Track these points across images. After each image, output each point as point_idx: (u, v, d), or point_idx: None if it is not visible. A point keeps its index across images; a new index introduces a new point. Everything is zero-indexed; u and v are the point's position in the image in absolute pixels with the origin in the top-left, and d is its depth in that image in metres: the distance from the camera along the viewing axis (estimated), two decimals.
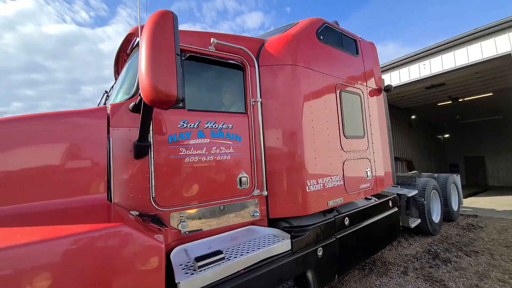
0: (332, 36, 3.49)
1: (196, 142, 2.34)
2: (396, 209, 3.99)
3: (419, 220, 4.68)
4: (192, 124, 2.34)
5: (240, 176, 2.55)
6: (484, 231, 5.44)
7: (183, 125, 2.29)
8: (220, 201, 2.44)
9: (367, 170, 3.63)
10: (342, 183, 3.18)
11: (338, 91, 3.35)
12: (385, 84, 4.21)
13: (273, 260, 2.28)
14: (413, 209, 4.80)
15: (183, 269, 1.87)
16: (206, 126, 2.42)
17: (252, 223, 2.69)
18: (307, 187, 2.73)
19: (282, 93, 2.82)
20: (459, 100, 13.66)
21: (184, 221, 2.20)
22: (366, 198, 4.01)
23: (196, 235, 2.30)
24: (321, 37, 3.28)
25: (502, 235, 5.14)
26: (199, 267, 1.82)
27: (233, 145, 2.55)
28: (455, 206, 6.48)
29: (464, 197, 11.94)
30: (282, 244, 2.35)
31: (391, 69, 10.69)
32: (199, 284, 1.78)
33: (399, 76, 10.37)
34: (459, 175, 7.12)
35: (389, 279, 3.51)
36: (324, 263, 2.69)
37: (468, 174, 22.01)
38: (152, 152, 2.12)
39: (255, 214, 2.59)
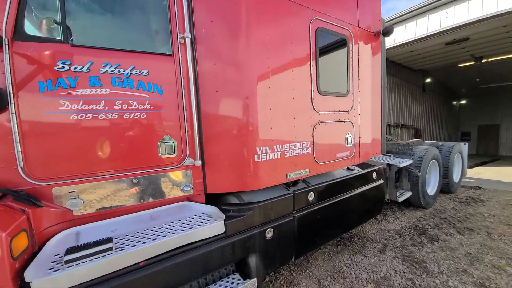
0: None
1: (88, 92, 1.68)
2: (381, 181, 3.40)
3: (409, 193, 4.12)
4: (80, 67, 1.65)
5: (162, 141, 1.94)
6: (485, 205, 4.89)
7: (63, 67, 1.60)
8: (133, 173, 1.87)
9: (348, 136, 2.95)
10: (310, 151, 2.54)
11: (313, 30, 2.49)
12: (387, 26, 3.24)
13: (198, 246, 1.79)
14: (404, 180, 4.22)
15: (53, 262, 1.40)
16: (104, 70, 1.72)
17: (188, 199, 2.18)
18: (256, 155, 2.11)
19: (222, 26, 2.02)
20: (483, 60, 11.94)
21: (74, 198, 1.67)
22: (348, 169, 3.42)
23: (101, 214, 1.80)
24: None
25: (505, 210, 4.58)
26: (67, 261, 1.34)
27: (149, 99, 1.88)
28: (456, 178, 5.86)
29: (471, 167, 11.24)
30: (210, 227, 1.84)
31: (407, 19, 9.07)
32: (65, 283, 1.31)
33: (415, 29, 8.83)
34: (466, 144, 6.33)
35: (363, 257, 3.10)
36: (274, 245, 2.22)
37: (479, 143, 20.86)
38: (12, 104, 1.49)
39: (185, 188, 2.05)
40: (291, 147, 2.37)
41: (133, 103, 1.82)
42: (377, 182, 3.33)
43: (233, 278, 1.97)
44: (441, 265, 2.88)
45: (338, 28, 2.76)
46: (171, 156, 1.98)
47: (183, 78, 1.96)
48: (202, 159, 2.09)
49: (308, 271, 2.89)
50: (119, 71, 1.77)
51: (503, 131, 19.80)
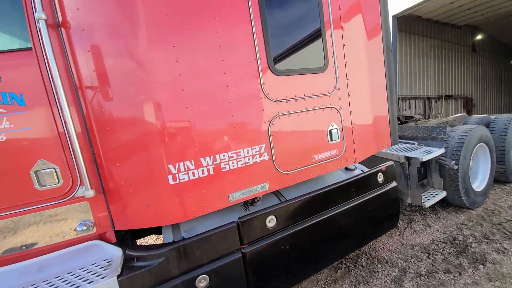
0: None
1: None
2: (392, 184, 2.47)
3: (442, 194, 3.05)
4: None
5: (36, 168, 1.43)
6: None
7: None
8: (4, 213, 1.42)
9: (331, 128, 2.11)
10: (267, 157, 1.81)
11: None
12: None
13: None
14: (435, 176, 3.14)
15: None
16: None
17: (100, 237, 1.67)
18: (170, 176, 1.49)
19: None
20: None
21: None
22: (346, 169, 2.57)
23: None
24: None
25: None
26: None
27: (7, 114, 1.37)
28: None
29: None
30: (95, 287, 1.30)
31: None
32: None
33: None
34: None
35: None
36: None
37: None
38: None
39: (79, 228, 1.52)
40: (232, 157, 1.68)
41: None
42: (386, 187, 2.42)
43: None
44: None
45: None
46: (54, 186, 1.47)
47: (52, 77, 1.40)
48: (102, 186, 1.54)
49: None
50: None
51: None
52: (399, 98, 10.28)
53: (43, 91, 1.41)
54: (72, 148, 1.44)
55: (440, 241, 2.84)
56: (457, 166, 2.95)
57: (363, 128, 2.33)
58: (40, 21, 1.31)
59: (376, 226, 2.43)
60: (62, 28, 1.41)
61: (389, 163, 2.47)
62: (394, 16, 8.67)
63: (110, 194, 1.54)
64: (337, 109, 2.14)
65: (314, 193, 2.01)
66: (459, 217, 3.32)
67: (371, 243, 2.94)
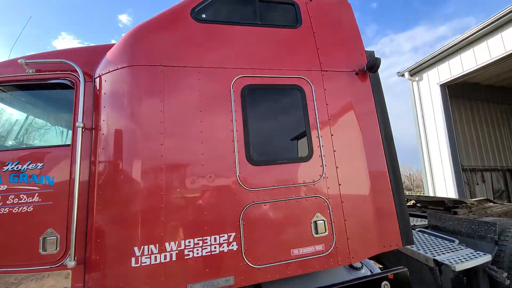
0: (231, 8, 2.30)
1: None
2: None
3: None
4: None
5: (44, 235, 1.80)
6: None
7: None
8: (13, 269, 1.76)
9: (317, 220, 1.98)
10: (235, 247, 1.79)
11: (237, 89, 2.07)
12: (370, 59, 2.36)
13: None
14: None
15: None
16: (6, 168, 1.87)
17: None
18: (133, 258, 1.62)
19: (110, 108, 1.93)
20: None
21: None
22: (351, 267, 2.23)
23: None
24: (203, 15, 2.18)
25: None
26: None
27: (39, 192, 1.86)
28: None
29: None
30: None
31: (489, 33, 6.81)
32: None
33: (503, 42, 6.45)
34: None
35: None
36: None
37: None
38: None
39: None
40: (198, 244, 1.73)
41: (23, 197, 1.84)
42: None
43: None
44: None
45: (283, 80, 2.20)
46: (52, 252, 1.78)
47: (71, 165, 1.88)
48: (84, 258, 1.78)
49: None
50: (17, 167, 1.88)
51: None
52: (465, 169, 8.66)
53: (69, 177, 1.88)
54: (72, 222, 1.79)
55: None
56: (509, 281, 2.15)
57: (359, 222, 2.08)
58: (78, 128, 1.88)
59: None
60: (93, 131, 1.96)
61: (401, 269, 2.02)
62: (441, 85, 8.22)
63: (88, 267, 1.75)
64: (324, 199, 2.04)
65: None
66: None
67: None
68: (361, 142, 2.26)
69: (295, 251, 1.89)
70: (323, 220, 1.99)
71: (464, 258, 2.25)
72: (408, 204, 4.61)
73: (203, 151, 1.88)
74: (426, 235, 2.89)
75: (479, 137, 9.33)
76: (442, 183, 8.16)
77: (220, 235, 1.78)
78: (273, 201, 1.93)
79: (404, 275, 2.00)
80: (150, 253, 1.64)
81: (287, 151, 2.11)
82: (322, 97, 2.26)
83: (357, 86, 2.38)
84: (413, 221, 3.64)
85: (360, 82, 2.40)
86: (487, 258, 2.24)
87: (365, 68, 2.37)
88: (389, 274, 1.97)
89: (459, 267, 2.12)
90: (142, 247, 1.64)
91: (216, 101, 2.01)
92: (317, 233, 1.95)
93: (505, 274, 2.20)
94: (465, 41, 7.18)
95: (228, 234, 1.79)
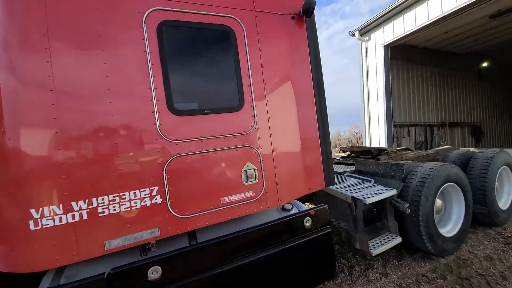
0: None
1: None
2: (326, 230, 2.25)
3: (394, 241, 2.72)
4: None
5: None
6: None
7: None
8: None
9: (247, 169, 2.00)
10: (159, 200, 1.71)
11: (152, 26, 1.74)
12: (305, 1, 2.21)
13: None
14: (390, 220, 2.85)
15: None
16: None
17: None
18: (31, 221, 1.42)
19: None
20: None
21: None
22: (283, 209, 2.40)
23: None
24: None
25: None
26: None
27: None
28: (504, 203, 3.94)
29: None
30: None
31: None
32: None
33: (441, 5, 6.91)
34: None
35: None
36: None
37: None
38: None
39: None
40: (114, 200, 1.60)
41: None
42: (316, 233, 2.21)
43: None
44: None
45: (210, 18, 1.93)
46: None
47: None
48: None
49: None
50: None
51: None
52: (396, 125, 9.97)
53: None
54: None
55: None
56: (409, 210, 2.67)
57: (288, 169, 2.19)
58: None
59: (302, 278, 2.18)
60: None
61: (322, 206, 2.28)
62: (385, 46, 8.70)
63: None
64: (254, 149, 2.04)
65: (216, 240, 1.85)
66: (423, 267, 2.93)
67: None
68: (293, 92, 2.24)
69: (225, 199, 1.92)
70: (253, 168, 2.02)
71: (374, 194, 2.66)
72: (344, 155, 5.15)
73: (111, 99, 1.61)
74: (351, 179, 3.30)
75: (410, 97, 10.58)
76: (377, 137, 9.31)
77: (141, 190, 1.67)
78: (201, 153, 1.85)
79: (324, 211, 2.27)
80: (52, 214, 1.45)
81: (215, 100, 1.97)
82: (255, 42, 2.09)
83: (292, 31, 2.26)
84: (346, 168, 4.10)
85: (296, 27, 2.27)
86: (393, 192, 2.70)
87: (301, 11, 2.22)
88: (311, 211, 2.21)
89: (369, 200, 2.50)
90: (40, 208, 1.43)
91: (124, 40, 1.67)
92: (247, 181, 1.99)
93: (407, 205, 2.70)
94: (408, 1, 7.45)
95: (151, 188, 1.69)
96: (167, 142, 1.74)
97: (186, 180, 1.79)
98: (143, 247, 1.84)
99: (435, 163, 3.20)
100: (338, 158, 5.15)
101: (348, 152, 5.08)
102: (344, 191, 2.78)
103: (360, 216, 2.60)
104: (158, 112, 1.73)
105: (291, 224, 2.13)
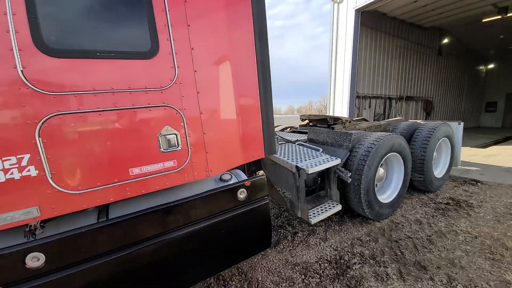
0: None
1: None
2: (263, 201, 2.10)
3: (334, 209, 2.75)
4: None
5: None
6: (471, 215, 3.41)
7: None
8: None
9: (166, 133, 1.64)
10: (36, 172, 1.30)
11: None
12: None
13: None
14: (333, 188, 2.85)
15: None
16: None
17: None
18: None
19: None
20: (508, 12, 9.17)
21: None
22: (221, 179, 2.14)
23: None
24: None
25: (499, 225, 3.12)
26: None
27: None
28: (440, 172, 4.30)
29: (482, 146, 9.25)
30: None
31: None
32: None
33: None
34: (462, 124, 4.62)
35: None
36: None
37: (506, 114, 17.93)
38: None
39: None
40: None
41: None
42: (252, 204, 2.04)
43: None
44: None
45: None
46: None
47: None
48: None
49: None
50: None
51: None
52: (359, 96, 10.17)
53: None
54: None
55: (325, 260, 2.57)
56: (351, 179, 2.66)
57: (221, 135, 1.89)
58: None
59: (236, 250, 2.06)
60: None
61: (259, 177, 2.08)
62: (356, 10, 8.30)
63: None
64: (176, 110, 1.66)
65: (123, 218, 1.56)
66: (360, 230, 3.09)
67: (255, 260, 2.61)
68: (228, 40, 1.82)
69: (136, 170, 1.57)
70: (174, 134, 1.67)
71: (319, 163, 2.55)
72: (303, 123, 5.03)
73: None
74: (301, 147, 3.17)
75: (375, 68, 10.69)
76: (340, 108, 9.44)
77: (3, 159, 1.23)
78: (95, 111, 1.41)
79: (261, 182, 2.08)
80: None
81: (116, 40, 1.47)
82: None
83: None
84: (300, 136, 3.97)
85: None
86: (337, 162, 2.62)
87: None
88: (245, 182, 2.00)
89: (311, 170, 2.38)
90: None
91: None
92: (167, 148, 1.65)
93: (349, 174, 2.66)
94: None
95: (18, 156, 1.25)
96: (38, 94, 1.27)
97: (74, 147, 1.38)
98: (30, 230, 1.46)
99: (382, 133, 3.19)
100: (296, 127, 5.02)
101: (306, 121, 4.96)
102: (290, 161, 2.63)
103: (302, 186, 2.50)
104: (19, 50, 1.21)
105: (221, 196, 1.90)
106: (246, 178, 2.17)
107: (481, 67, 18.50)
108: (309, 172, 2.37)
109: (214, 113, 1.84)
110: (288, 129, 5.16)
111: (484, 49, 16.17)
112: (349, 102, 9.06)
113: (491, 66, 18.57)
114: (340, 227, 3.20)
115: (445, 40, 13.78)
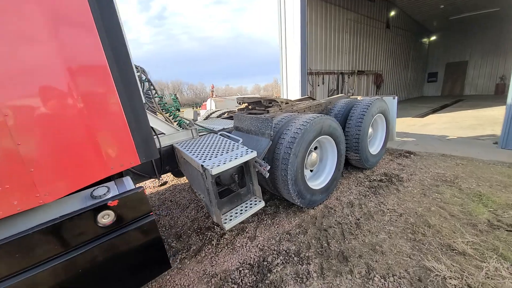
0: None
1: None
2: (145, 219, 1.65)
3: (254, 208, 2.45)
4: None
5: None
6: (399, 190, 3.44)
7: None
8: None
9: None
10: None
11: None
12: None
13: None
14: (255, 184, 2.54)
15: None
16: None
17: None
18: None
19: None
20: None
21: None
22: (92, 196, 1.61)
23: None
24: None
25: (424, 199, 3.17)
26: None
27: None
28: (375, 149, 4.31)
29: (422, 116, 9.98)
30: None
31: None
32: None
33: None
34: (396, 98, 4.63)
35: None
36: None
37: (445, 83, 19.75)
38: None
39: None
40: None
41: None
42: (126, 227, 1.57)
43: None
44: None
45: None
46: None
47: None
48: None
49: None
50: None
51: (470, 68, 18.48)
52: (312, 72, 9.98)
53: None
54: None
55: (248, 264, 2.30)
56: (268, 174, 2.34)
57: (54, 143, 1.33)
58: None
59: (122, 282, 1.62)
60: None
61: (133, 190, 1.60)
62: None
63: None
64: None
65: None
66: (292, 222, 2.89)
67: (167, 277, 2.23)
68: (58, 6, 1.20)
69: None
70: None
71: (229, 159, 2.15)
72: (241, 107, 4.58)
73: None
74: (222, 139, 2.73)
75: (327, 43, 10.49)
76: (293, 85, 9.16)
77: None
78: None
79: (137, 197, 1.61)
80: None
81: None
82: None
83: None
84: (229, 124, 3.52)
85: None
86: (251, 156, 2.24)
87: None
88: (109, 201, 1.50)
89: (215, 170, 1.97)
90: None
91: None
92: None
93: (268, 167, 2.32)
94: None
95: None
96: None
97: None
98: None
99: (310, 115, 2.90)
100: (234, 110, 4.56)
101: (245, 104, 4.50)
102: (197, 158, 2.18)
103: (211, 188, 2.10)
104: None
105: (68, 227, 1.39)
106: (132, 188, 1.68)
107: (425, 39, 19.70)
108: (213, 173, 1.95)
109: (33, 113, 1.26)
110: (225, 114, 4.68)
111: (427, 21, 17.05)
112: (300, 79, 8.79)
113: (433, 38, 19.86)
114: (272, 221, 2.96)
115: (392, 13, 14.10)
